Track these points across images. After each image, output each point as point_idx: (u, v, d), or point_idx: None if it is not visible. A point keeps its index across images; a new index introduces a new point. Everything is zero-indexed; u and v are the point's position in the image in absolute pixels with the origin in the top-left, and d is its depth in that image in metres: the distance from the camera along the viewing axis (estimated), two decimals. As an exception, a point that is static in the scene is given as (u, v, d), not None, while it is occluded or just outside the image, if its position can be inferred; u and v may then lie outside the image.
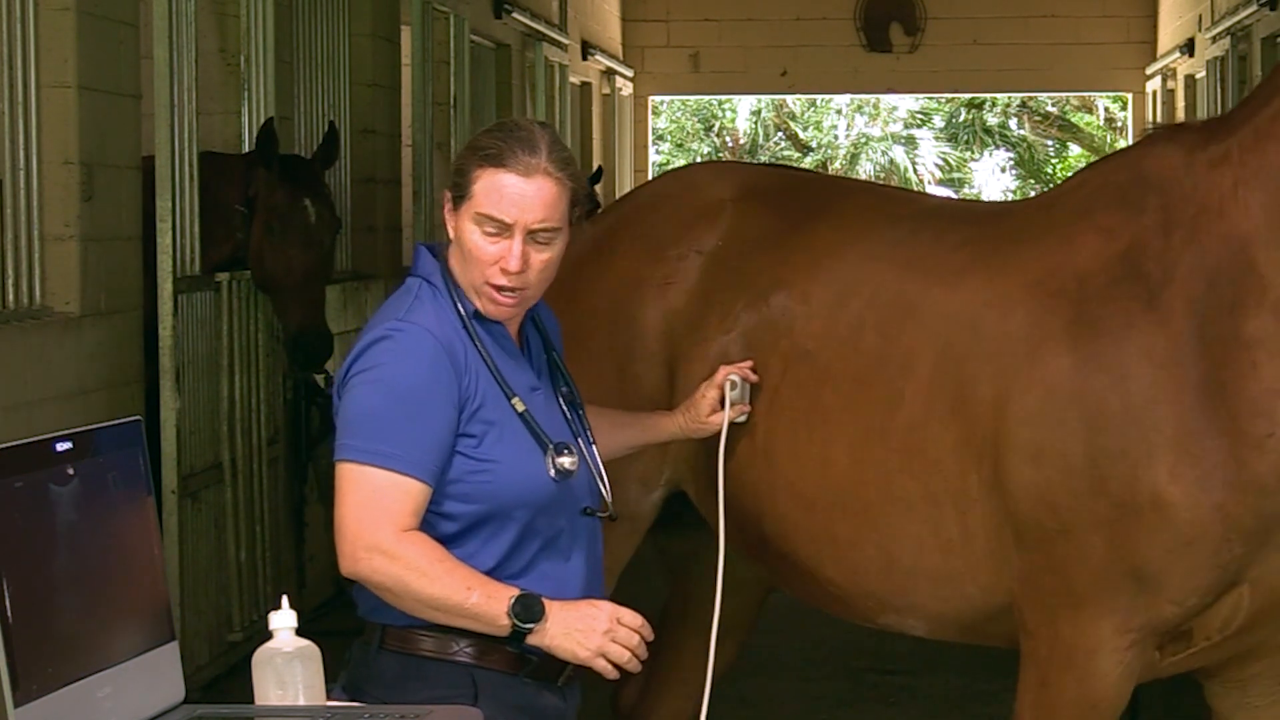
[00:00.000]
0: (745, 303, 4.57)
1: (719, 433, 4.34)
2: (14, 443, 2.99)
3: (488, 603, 3.41)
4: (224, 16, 8.73)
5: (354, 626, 3.72)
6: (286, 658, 3.25)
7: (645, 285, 4.72)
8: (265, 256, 7.98)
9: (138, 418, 3.34)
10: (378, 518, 3.39)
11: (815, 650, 8.08)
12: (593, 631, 3.45)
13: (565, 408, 3.70)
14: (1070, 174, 4.83)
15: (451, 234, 3.57)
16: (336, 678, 3.57)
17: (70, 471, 3.05)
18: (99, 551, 3.10)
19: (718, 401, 4.32)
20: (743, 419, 4.41)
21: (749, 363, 4.44)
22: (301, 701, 3.23)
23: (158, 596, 3.25)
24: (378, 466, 3.41)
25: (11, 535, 2.90)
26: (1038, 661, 4.17)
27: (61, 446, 3.05)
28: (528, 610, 3.42)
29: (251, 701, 3.26)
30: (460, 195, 3.53)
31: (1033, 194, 31.80)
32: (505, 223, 3.48)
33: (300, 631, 3.30)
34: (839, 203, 4.73)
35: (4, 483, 2.91)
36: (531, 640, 3.44)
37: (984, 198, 29.15)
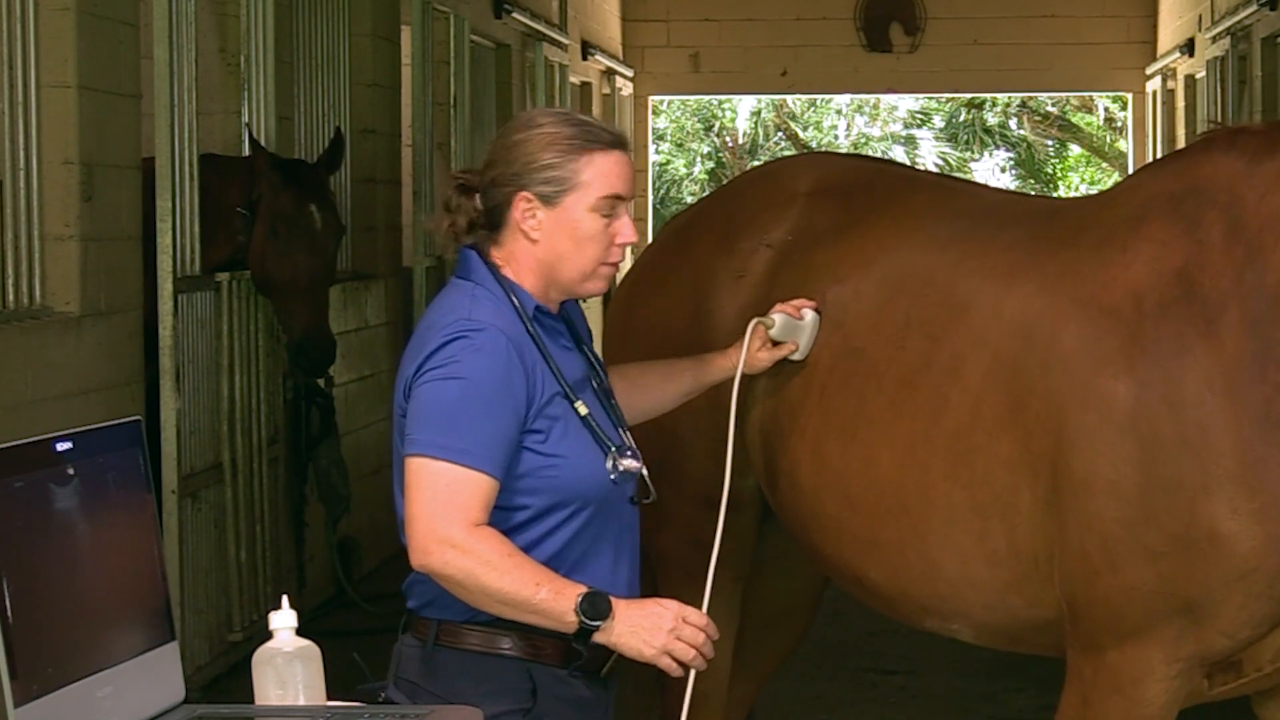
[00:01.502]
0: (804, 296, 4.47)
1: (769, 370, 4.34)
2: (14, 443, 2.99)
3: (556, 599, 3.45)
4: (224, 16, 8.74)
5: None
6: (287, 658, 3.25)
7: (720, 277, 4.68)
8: (269, 261, 7.99)
9: (138, 418, 3.34)
10: (450, 512, 3.44)
11: (815, 650, 8.07)
12: (658, 630, 3.48)
13: (603, 397, 3.77)
14: (1133, 172, 4.59)
15: (535, 235, 3.63)
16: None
17: (70, 471, 3.05)
18: (99, 551, 3.10)
19: (767, 337, 4.29)
20: (799, 356, 4.34)
21: (802, 301, 4.37)
22: (301, 701, 3.23)
23: (158, 596, 3.25)
24: (450, 461, 3.46)
25: (11, 535, 2.89)
26: (1082, 681, 4.05)
27: (61, 446, 3.05)
28: (595, 608, 3.46)
29: (251, 701, 3.26)
30: (561, 190, 3.60)
31: (1032, 194, 31.78)
32: (623, 197, 3.62)
33: (300, 631, 3.30)
34: (904, 197, 4.61)
35: (4, 483, 2.91)
36: (597, 638, 3.49)
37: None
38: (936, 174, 5.18)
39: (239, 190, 8.01)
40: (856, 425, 4.31)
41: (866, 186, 4.71)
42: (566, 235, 3.62)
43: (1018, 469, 4.06)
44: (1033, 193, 31.77)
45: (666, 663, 3.50)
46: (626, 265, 4.88)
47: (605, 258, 3.64)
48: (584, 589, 3.47)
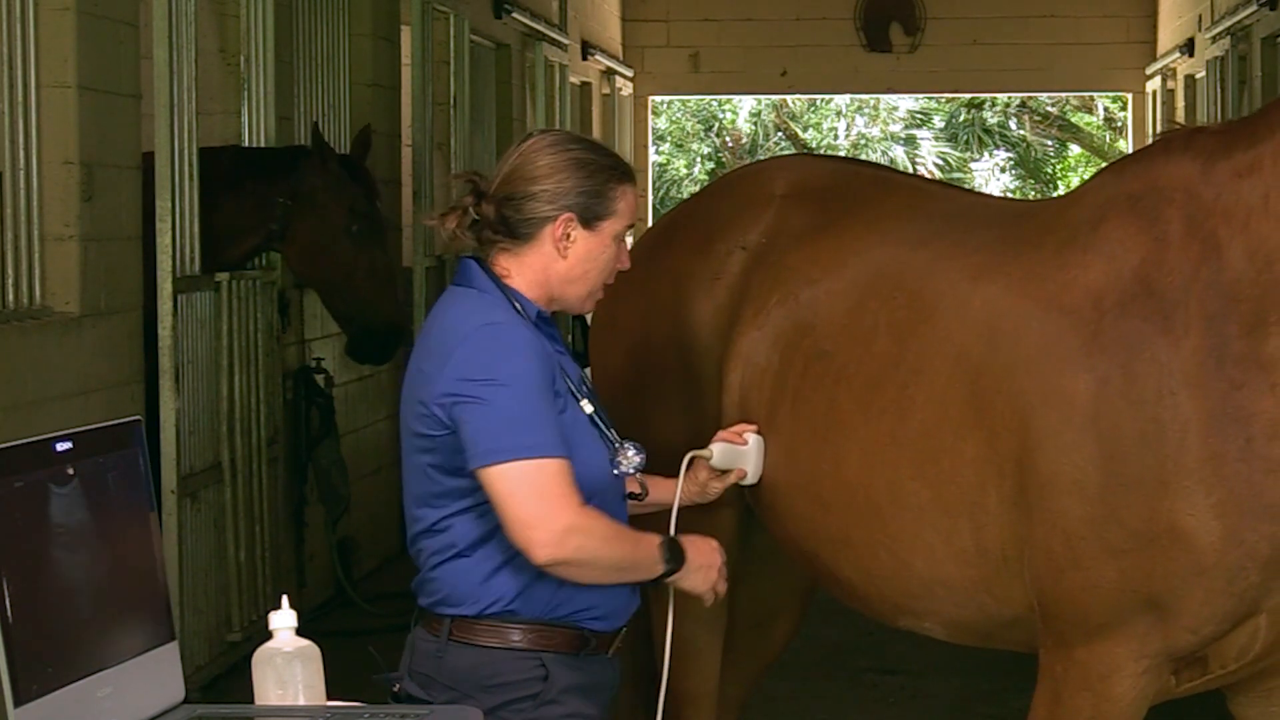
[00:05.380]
0: (778, 299, 4.52)
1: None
2: (14, 443, 2.99)
3: (648, 551, 3.74)
4: (224, 16, 8.74)
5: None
6: (286, 658, 3.26)
7: (697, 279, 4.73)
8: (349, 258, 8.15)
9: (138, 418, 3.34)
10: (556, 504, 3.59)
11: (815, 650, 8.08)
12: (712, 568, 3.85)
13: (595, 400, 3.91)
14: (1095, 172, 4.65)
15: (565, 252, 3.76)
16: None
17: (70, 471, 3.05)
18: (99, 551, 3.10)
19: (712, 469, 4.31)
20: (750, 481, 4.37)
21: (743, 425, 4.40)
22: (301, 701, 3.24)
23: (158, 596, 3.25)
24: (528, 459, 3.59)
25: (11, 535, 2.90)
26: (1053, 678, 4.09)
27: (61, 446, 3.06)
28: (673, 553, 3.77)
29: (251, 701, 3.27)
30: (599, 215, 3.77)
31: (1032, 195, 31.78)
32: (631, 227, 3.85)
33: (300, 631, 3.31)
34: (879, 199, 4.64)
35: (4, 483, 2.91)
36: (672, 579, 3.77)
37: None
38: (914, 176, 5.20)
39: (280, 180, 8.08)
40: (827, 426, 4.36)
41: (841, 189, 4.74)
42: (591, 257, 3.78)
43: (984, 468, 4.11)
44: (1031, 194, 31.80)
45: (711, 596, 3.86)
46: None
47: (607, 281, 3.85)
48: (658, 538, 3.75)
